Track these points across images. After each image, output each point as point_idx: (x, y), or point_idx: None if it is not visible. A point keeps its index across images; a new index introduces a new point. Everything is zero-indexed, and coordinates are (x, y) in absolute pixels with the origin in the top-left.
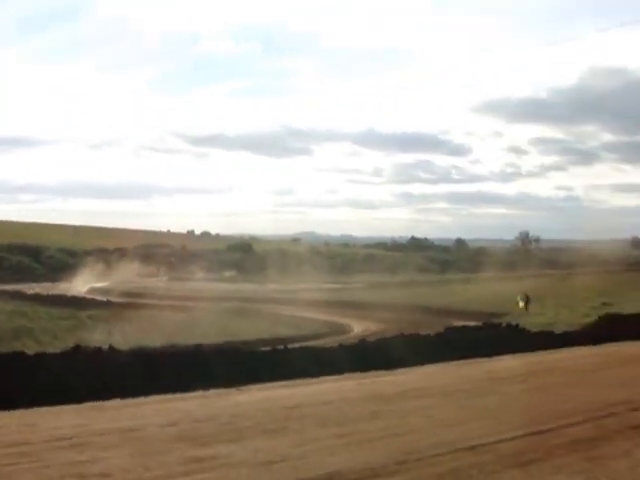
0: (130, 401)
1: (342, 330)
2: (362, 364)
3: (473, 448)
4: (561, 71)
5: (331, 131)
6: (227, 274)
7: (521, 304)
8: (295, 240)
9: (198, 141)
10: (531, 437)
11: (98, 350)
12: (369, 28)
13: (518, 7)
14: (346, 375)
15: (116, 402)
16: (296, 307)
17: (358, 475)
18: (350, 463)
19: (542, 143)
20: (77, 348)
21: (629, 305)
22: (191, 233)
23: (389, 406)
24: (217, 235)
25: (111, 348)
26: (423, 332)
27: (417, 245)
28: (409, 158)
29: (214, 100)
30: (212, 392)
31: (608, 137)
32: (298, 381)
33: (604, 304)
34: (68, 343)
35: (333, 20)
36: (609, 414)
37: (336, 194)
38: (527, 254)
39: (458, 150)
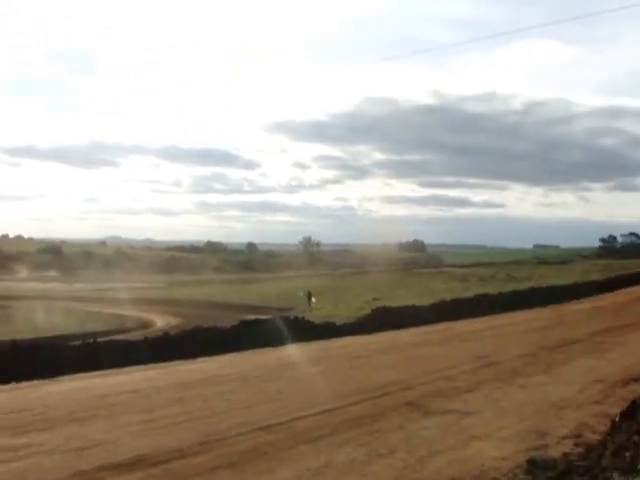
0: None
1: (146, 325)
2: (166, 355)
3: (269, 427)
4: (340, 98)
5: (136, 145)
6: (39, 274)
7: (305, 299)
8: (102, 243)
9: (12, 151)
10: (319, 415)
11: None
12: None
13: (308, 37)
14: (152, 365)
15: None
16: (104, 304)
17: (166, 456)
18: (158, 446)
19: (322, 160)
20: None
21: (396, 299)
22: (5, 237)
23: (192, 392)
24: (30, 239)
25: None
26: (220, 325)
27: (213, 248)
28: (206, 171)
29: (28, 113)
30: (25, 384)
31: (378, 156)
32: (107, 372)
33: (375, 299)
34: None
35: (140, 40)
36: (385, 393)
37: (140, 202)
38: (310, 256)
39: (249, 164)
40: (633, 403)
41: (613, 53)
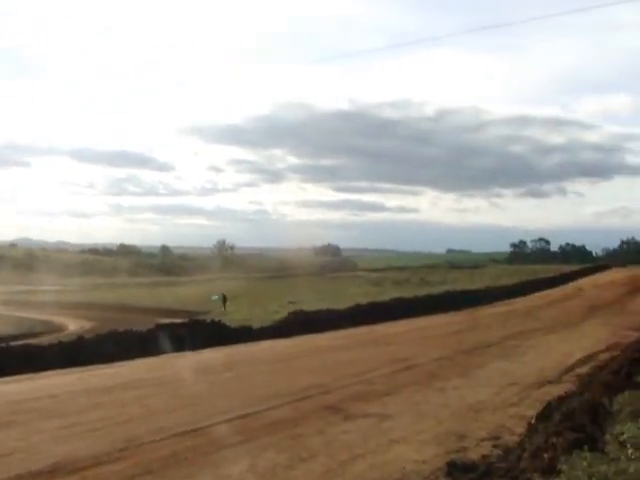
0: None
1: (59, 328)
2: (81, 359)
3: (188, 432)
4: (256, 101)
5: (51, 146)
6: None
7: (219, 303)
8: (12, 245)
9: None
10: (239, 420)
11: None
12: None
13: (227, 40)
14: (67, 370)
15: None
16: (15, 307)
17: (84, 463)
18: (75, 452)
19: (237, 163)
20: None
21: (312, 303)
22: None
23: (110, 397)
24: None
25: None
26: (136, 329)
27: (127, 251)
28: (120, 173)
29: None
30: None
31: (293, 160)
32: (22, 376)
33: (290, 303)
34: None
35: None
36: (305, 397)
37: (53, 204)
38: (224, 260)
39: (164, 167)
40: (548, 405)
41: (522, 63)
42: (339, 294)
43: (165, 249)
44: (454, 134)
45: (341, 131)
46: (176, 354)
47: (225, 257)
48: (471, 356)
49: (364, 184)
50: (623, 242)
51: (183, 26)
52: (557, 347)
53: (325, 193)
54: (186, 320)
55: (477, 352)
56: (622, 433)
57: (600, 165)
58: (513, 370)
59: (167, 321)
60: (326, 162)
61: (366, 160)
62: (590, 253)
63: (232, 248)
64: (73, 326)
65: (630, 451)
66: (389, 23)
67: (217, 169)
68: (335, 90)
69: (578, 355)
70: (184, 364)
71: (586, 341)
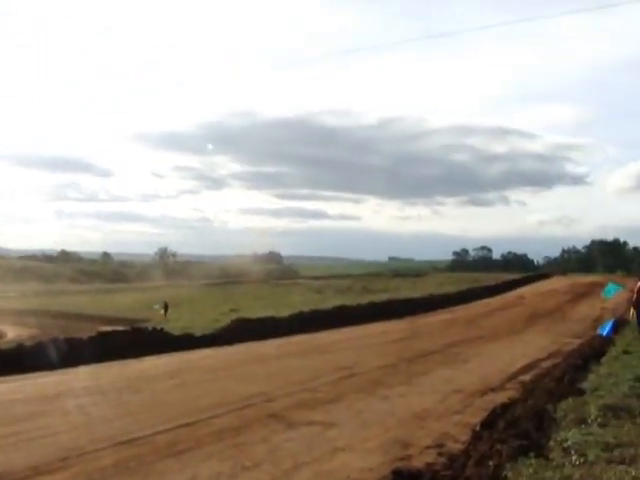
0: None
1: None
2: (20, 367)
3: (131, 441)
4: (198, 108)
5: None
6: None
7: (161, 311)
8: None
9: None
10: (182, 429)
11: None
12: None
13: (171, 47)
14: (6, 378)
15: None
16: None
17: (23, 474)
18: (15, 463)
19: (179, 170)
20: None
21: (254, 311)
22: None
23: (50, 405)
24: None
25: None
26: (77, 336)
27: (67, 258)
28: (61, 178)
29: None
30: None
31: (236, 167)
32: None
33: (232, 310)
34: None
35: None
36: (248, 405)
37: None
38: (166, 267)
39: (105, 172)
40: (493, 412)
41: (466, 72)
42: (281, 302)
43: (106, 256)
44: (397, 142)
45: (284, 139)
46: (118, 362)
47: (167, 264)
48: (414, 364)
49: (306, 191)
50: (564, 251)
51: (129, 31)
52: (500, 355)
53: (267, 200)
54: (127, 328)
55: (420, 360)
56: (566, 439)
57: (542, 174)
58: (457, 378)
59: (109, 328)
60: (269, 169)
61: (309, 168)
62: (532, 262)
63: (174, 255)
64: (12, 333)
65: (575, 457)
66: (334, 31)
67: (159, 175)
68: (279, 98)
69: (521, 363)
70: (126, 372)
71: (528, 349)
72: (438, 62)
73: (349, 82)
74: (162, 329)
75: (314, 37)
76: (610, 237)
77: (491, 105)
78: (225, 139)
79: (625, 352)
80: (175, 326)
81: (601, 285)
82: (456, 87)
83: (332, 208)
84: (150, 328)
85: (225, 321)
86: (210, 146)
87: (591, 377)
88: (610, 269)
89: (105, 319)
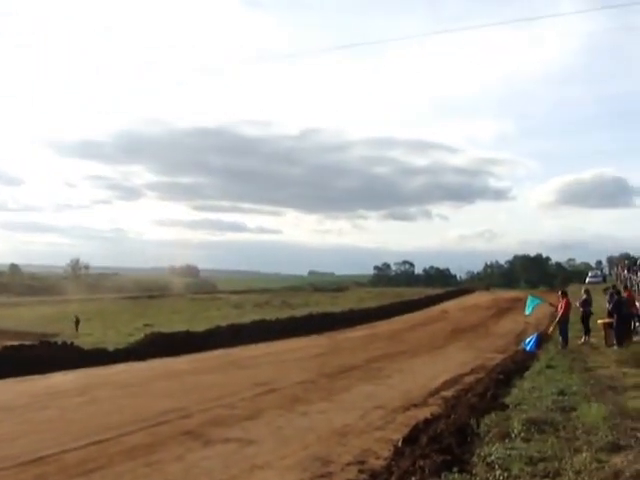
0: None
1: None
2: None
3: (37, 460)
4: (113, 115)
5: None
6: None
7: (72, 325)
8: None
9: None
10: (92, 446)
11: None
12: None
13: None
14: None
15: None
16: None
17: None
18: None
19: (93, 179)
20: None
21: (170, 325)
22: None
23: None
24: None
25: None
26: None
27: None
28: None
29: None
30: None
31: (151, 177)
32: None
33: (147, 325)
34: None
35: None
36: (162, 422)
37: None
38: (78, 280)
39: (14, 181)
40: (415, 427)
41: (388, 84)
42: (198, 316)
43: (14, 267)
44: (318, 154)
45: (201, 148)
46: (25, 378)
47: (79, 277)
48: (335, 379)
49: (225, 203)
50: (487, 265)
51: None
52: (422, 370)
53: (184, 212)
54: (35, 342)
55: (341, 375)
56: (490, 454)
57: (464, 189)
58: (378, 393)
59: (15, 343)
60: (185, 180)
61: (227, 179)
62: (454, 276)
63: (86, 268)
64: None
65: (498, 472)
66: (253, 39)
67: (71, 185)
68: (196, 106)
69: (443, 378)
70: (33, 388)
71: (451, 364)
72: (358, 73)
73: (269, 91)
74: (72, 344)
75: (234, 44)
76: (533, 252)
77: (412, 117)
78: (140, 148)
79: (549, 366)
80: (86, 341)
81: (523, 300)
82: (376, 99)
83: (251, 221)
84: (60, 343)
85: (139, 336)
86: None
87: (514, 392)
88: (533, 284)
89: (11, 333)
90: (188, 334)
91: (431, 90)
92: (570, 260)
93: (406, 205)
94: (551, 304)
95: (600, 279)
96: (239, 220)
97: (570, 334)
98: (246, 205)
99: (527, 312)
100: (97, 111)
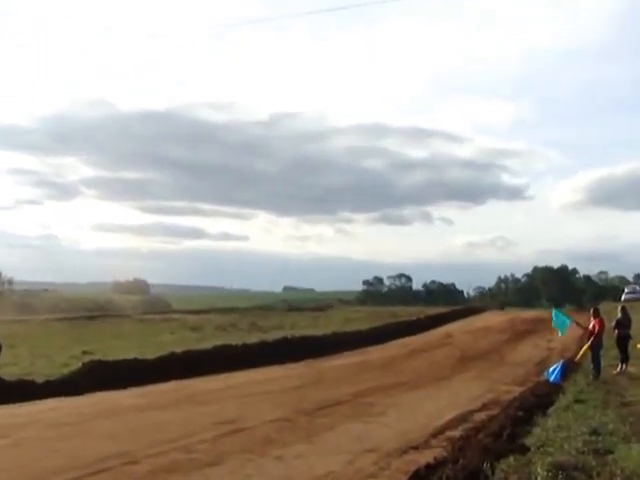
0: None
1: None
2: None
3: None
4: (43, 97)
5: None
6: None
7: None
8: None
9: None
10: None
11: None
12: None
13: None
14: None
15: None
16: None
17: None
18: None
19: (17, 174)
20: None
21: (113, 352)
22: None
23: None
24: None
25: None
26: None
27: None
28: None
29: None
30: None
31: (89, 171)
32: None
33: (85, 352)
34: None
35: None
36: (103, 469)
37: None
38: None
39: None
40: (415, 475)
41: (381, 60)
42: (149, 341)
43: None
44: (293, 144)
45: (151, 137)
46: None
47: (0, 294)
48: (316, 417)
49: (180, 204)
50: (500, 280)
51: None
52: (423, 406)
53: (130, 214)
54: None
55: (324, 412)
56: None
57: (472, 186)
58: (369, 433)
59: None
60: (132, 175)
61: (183, 174)
62: (461, 293)
63: (10, 283)
64: None
65: None
66: (214, 2)
67: None
68: (144, 85)
69: (449, 415)
70: None
71: (458, 398)
72: (344, 44)
73: (234, 67)
74: None
75: (191, 9)
76: (556, 264)
77: (409, 100)
78: (74, 136)
79: (578, 401)
80: (10, 372)
81: (546, 322)
82: (366, 76)
83: (212, 225)
84: None
85: (76, 365)
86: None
87: (536, 431)
88: (556, 302)
89: None
90: (136, 363)
91: (433, 66)
92: (601, 273)
93: (401, 206)
94: (579, 324)
95: (639, 295)
96: (198, 225)
97: (603, 362)
98: (206, 206)
99: (560, 332)
100: (20, 91)
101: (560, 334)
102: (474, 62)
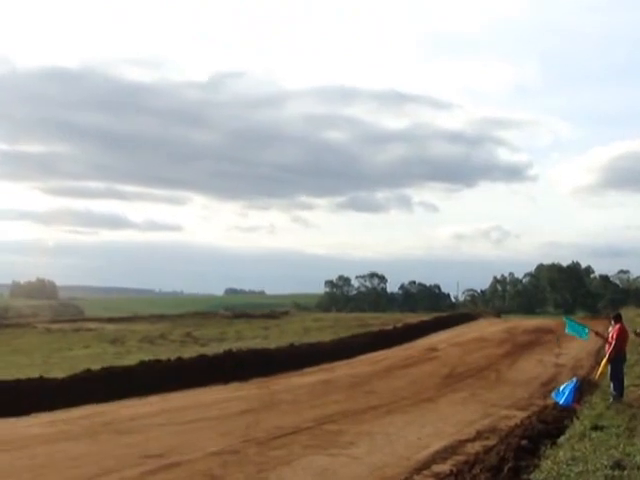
0: None
1: None
2: None
3: None
4: None
5: None
6: None
7: None
8: None
9: None
10: None
11: None
12: None
13: None
14: None
15: None
16: None
17: None
18: None
19: None
20: None
21: (9, 371)
22: None
23: None
24: None
25: None
26: None
27: None
28: None
29: None
30: None
31: None
32: None
33: None
34: None
35: None
36: None
37: None
38: None
39: None
40: None
41: (347, 10)
42: (56, 356)
43: None
44: (238, 111)
45: (59, 100)
46: None
47: None
48: (269, 448)
49: (95, 185)
50: (497, 280)
51: None
52: (402, 434)
53: (32, 198)
54: None
55: (278, 442)
56: None
57: (461, 164)
58: (336, 469)
59: None
60: (32, 148)
61: (98, 148)
62: (447, 296)
63: None
64: None
65: None
66: None
67: None
68: (49, 37)
69: (435, 445)
70: None
71: (446, 425)
72: None
73: (163, 18)
74: None
75: None
76: (565, 260)
77: (383, 58)
78: None
79: (596, 427)
80: None
81: (553, 332)
82: (328, 28)
83: (136, 212)
84: None
85: None
86: None
87: (546, 464)
88: (566, 308)
89: None
90: (41, 383)
91: (414, 16)
92: (622, 272)
93: (373, 189)
94: (598, 334)
95: None
96: (118, 211)
97: (627, 380)
98: (129, 188)
99: (583, 336)
100: None
101: (584, 337)
102: (468, 14)
